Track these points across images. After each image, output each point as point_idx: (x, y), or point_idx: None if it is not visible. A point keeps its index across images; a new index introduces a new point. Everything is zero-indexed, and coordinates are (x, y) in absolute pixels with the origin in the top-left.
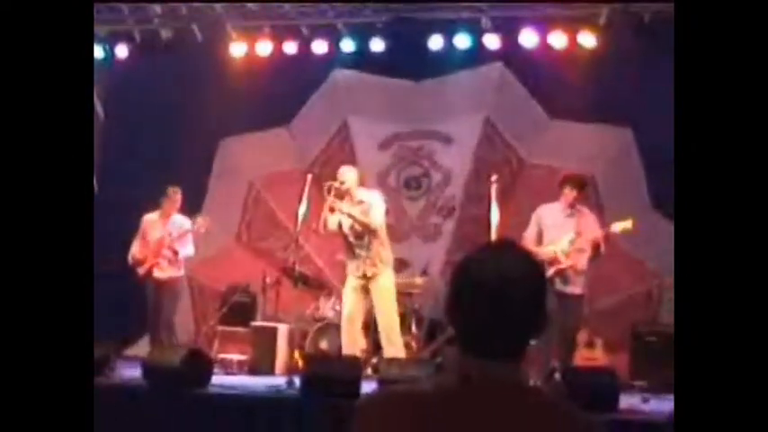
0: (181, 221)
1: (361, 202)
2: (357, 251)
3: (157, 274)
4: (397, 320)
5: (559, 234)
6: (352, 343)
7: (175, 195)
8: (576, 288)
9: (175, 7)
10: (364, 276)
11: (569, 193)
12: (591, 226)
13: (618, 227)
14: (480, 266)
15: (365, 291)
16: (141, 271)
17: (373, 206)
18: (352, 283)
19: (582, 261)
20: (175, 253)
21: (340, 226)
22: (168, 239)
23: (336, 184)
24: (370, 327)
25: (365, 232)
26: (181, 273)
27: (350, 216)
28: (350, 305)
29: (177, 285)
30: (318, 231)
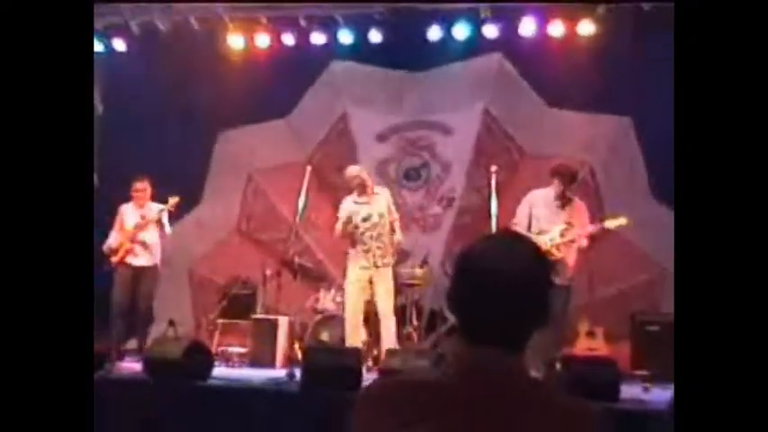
0: (156, 207)
1: (376, 193)
2: (368, 242)
3: (132, 260)
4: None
5: (549, 224)
6: (356, 335)
7: (143, 185)
8: (563, 280)
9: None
10: (374, 266)
11: (558, 185)
12: (582, 217)
13: (612, 223)
14: (483, 255)
15: (369, 282)
16: (115, 259)
17: (385, 197)
18: (356, 274)
19: (571, 253)
20: (161, 226)
21: (349, 219)
22: (142, 222)
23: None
24: (371, 318)
25: (379, 223)
26: (157, 260)
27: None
28: (354, 298)
29: (154, 272)
30: (335, 234)
